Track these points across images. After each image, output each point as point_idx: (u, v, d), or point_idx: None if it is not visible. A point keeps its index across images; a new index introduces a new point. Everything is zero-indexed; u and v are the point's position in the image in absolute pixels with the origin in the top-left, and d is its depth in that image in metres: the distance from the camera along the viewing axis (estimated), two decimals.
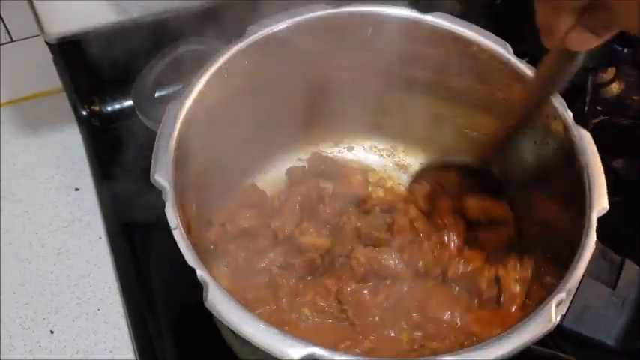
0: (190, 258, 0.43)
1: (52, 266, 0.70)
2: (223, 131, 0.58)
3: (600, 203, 0.48)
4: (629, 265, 0.47)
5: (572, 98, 0.56)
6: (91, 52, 0.72)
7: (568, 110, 0.54)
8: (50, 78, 0.78)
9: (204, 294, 0.41)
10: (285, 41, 0.58)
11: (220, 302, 0.41)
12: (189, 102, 0.52)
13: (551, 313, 0.42)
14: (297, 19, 0.58)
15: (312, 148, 0.71)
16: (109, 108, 0.78)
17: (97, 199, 0.73)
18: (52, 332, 0.64)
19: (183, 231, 0.45)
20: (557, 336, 0.48)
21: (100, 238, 0.72)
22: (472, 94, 0.62)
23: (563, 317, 0.43)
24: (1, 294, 0.67)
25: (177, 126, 0.51)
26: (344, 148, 0.73)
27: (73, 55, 0.73)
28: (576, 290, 0.43)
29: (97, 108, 0.78)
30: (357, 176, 0.67)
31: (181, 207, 0.48)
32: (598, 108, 0.74)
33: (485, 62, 0.58)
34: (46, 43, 0.71)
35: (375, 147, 0.73)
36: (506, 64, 0.57)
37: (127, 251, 0.67)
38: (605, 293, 0.45)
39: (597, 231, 0.46)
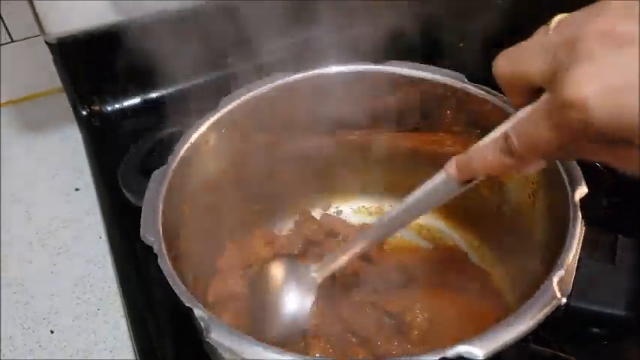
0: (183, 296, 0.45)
1: (52, 266, 0.70)
2: (207, 198, 0.58)
3: (579, 184, 0.47)
4: (623, 240, 0.47)
5: None
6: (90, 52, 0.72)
7: None
8: (50, 78, 0.78)
9: (204, 332, 0.41)
10: (255, 109, 0.59)
11: (224, 337, 0.41)
12: (173, 167, 0.53)
13: (554, 289, 0.41)
14: (264, 88, 0.59)
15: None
16: (109, 108, 0.78)
17: (97, 199, 0.73)
18: (52, 332, 0.64)
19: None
20: (559, 335, 0.48)
21: (100, 238, 0.72)
22: (448, 133, 0.62)
23: (570, 297, 0.42)
24: (1, 294, 0.67)
25: (164, 190, 0.51)
26: (333, 212, 0.71)
27: (73, 55, 0.73)
28: (576, 273, 0.43)
29: (97, 108, 0.78)
30: None
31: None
32: None
33: (451, 99, 0.59)
34: (46, 43, 0.71)
35: (363, 206, 0.72)
36: (467, 93, 0.57)
37: (127, 251, 0.67)
38: (606, 269, 0.45)
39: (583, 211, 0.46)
